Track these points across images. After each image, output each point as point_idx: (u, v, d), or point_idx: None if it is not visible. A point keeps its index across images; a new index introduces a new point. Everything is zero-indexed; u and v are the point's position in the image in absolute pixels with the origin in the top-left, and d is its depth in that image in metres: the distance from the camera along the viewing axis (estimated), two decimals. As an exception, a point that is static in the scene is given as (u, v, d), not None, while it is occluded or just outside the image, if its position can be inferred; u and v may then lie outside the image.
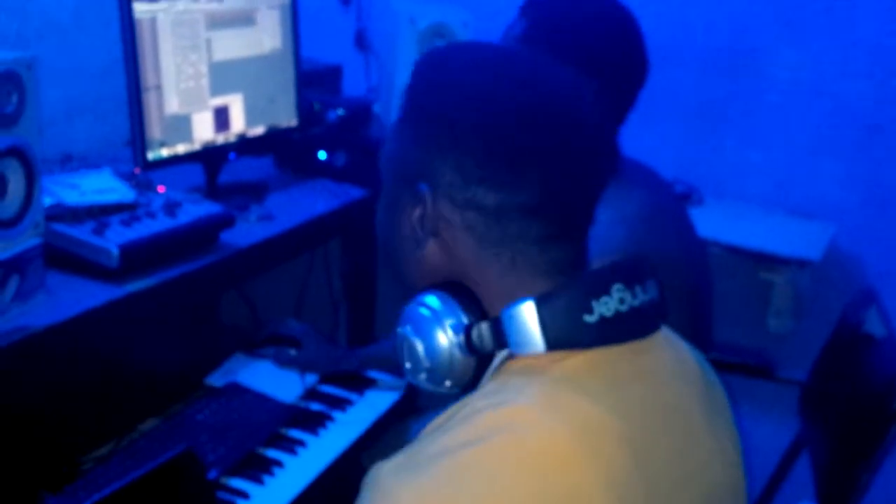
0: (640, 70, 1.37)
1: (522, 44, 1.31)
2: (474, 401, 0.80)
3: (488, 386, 0.82)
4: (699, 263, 1.48)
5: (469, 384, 0.85)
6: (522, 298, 0.80)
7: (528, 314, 0.79)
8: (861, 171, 2.17)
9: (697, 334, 1.39)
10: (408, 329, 0.85)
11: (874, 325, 1.70)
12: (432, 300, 0.84)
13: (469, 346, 0.82)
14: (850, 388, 1.68)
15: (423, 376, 0.86)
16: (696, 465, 0.85)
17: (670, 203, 1.48)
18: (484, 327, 0.82)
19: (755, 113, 2.24)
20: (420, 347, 0.84)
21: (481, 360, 0.84)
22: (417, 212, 0.85)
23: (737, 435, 0.93)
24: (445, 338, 0.83)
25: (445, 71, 0.87)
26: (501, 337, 0.81)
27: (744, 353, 1.99)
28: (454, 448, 0.75)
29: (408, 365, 0.87)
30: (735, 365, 1.94)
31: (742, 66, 2.23)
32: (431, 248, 0.85)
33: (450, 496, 0.73)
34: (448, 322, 0.83)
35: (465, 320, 0.82)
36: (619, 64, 1.34)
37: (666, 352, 0.87)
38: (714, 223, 2.09)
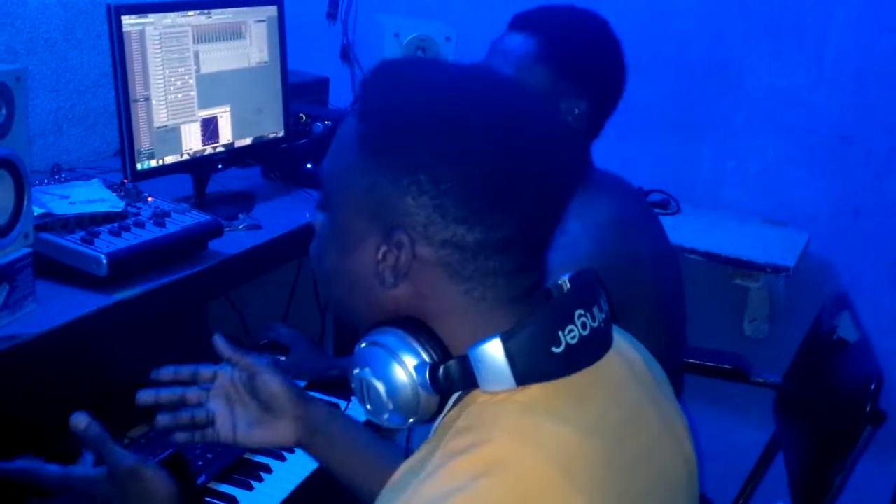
0: (623, 84, 1.43)
1: (537, 64, 1.34)
2: (449, 440, 0.78)
3: (459, 423, 0.79)
4: (669, 269, 1.49)
5: (431, 418, 0.83)
6: (488, 336, 0.78)
7: (495, 352, 0.77)
8: (834, 179, 2.21)
9: (667, 339, 1.41)
10: (367, 371, 0.82)
11: (847, 330, 1.73)
12: (389, 340, 0.81)
13: (434, 385, 0.80)
14: (823, 391, 1.71)
15: (385, 416, 0.83)
16: (660, 465, 0.87)
17: (638, 210, 1.49)
18: (452, 366, 0.80)
19: (731, 123, 2.28)
20: (382, 389, 0.82)
21: (444, 395, 0.82)
22: (384, 256, 0.81)
23: (685, 420, 0.94)
24: (408, 378, 0.80)
25: (410, 100, 0.81)
26: (470, 376, 0.79)
27: (720, 357, 2.01)
28: (444, 495, 0.73)
29: (368, 407, 0.84)
30: (711, 369, 1.97)
31: (717, 78, 2.26)
32: (397, 290, 0.82)
33: None
34: (409, 362, 0.80)
35: (427, 360, 0.80)
36: (613, 81, 1.40)
37: (615, 360, 0.87)
38: (691, 231, 2.12)
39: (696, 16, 2.25)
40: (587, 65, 1.36)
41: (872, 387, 1.51)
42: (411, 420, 0.83)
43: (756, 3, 2.21)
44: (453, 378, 0.80)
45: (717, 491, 1.81)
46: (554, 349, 0.78)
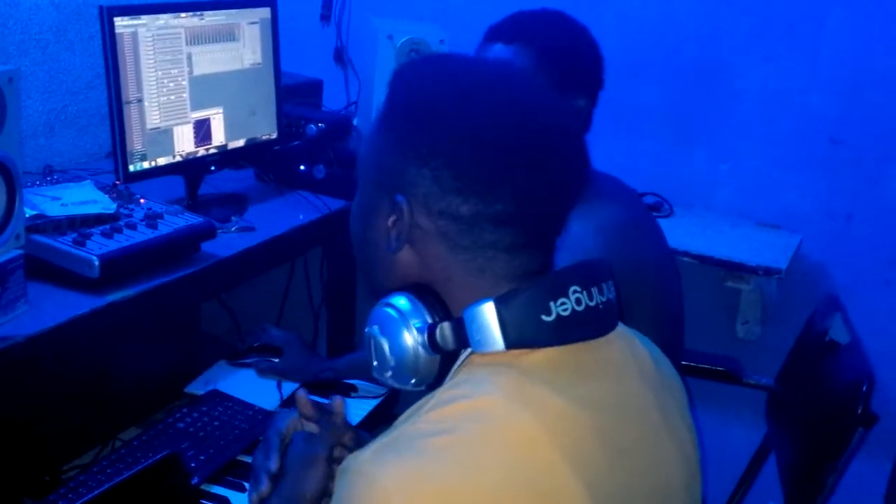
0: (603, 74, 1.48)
1: (537, 75, 1.36)
2: (444, 390, 0.83)
3: (457, 377, 0.85)
4: (670, 273, 1.51)
5: (434, 382, 0.88)
6: (484, 299, 0.83)
7: (488, 314, 0.82)
8: (826, 182, 2.22)
9: (669, 340, 1.42)
10: (375, 329, 0.89)
11: (839, 332, 1.74)
12: (399, 301, 0.87)
13: (432, 344, 0.86)
14: (815, 392, 1.71)
15: (388, 374, 0.89)
16: (654, 459, 0.88)
17: (641, 214, 1.51)
18: (446, 327, 0.85)
19: (723, 126, 2.28)
20: (386, 346, 0.88)
21: (445, 358, 0.87)
22: (393, 220, 0.87)
23: (692, 427, 0.96)
24: (410, 337, 0.86)
25: (425, 83, 0.89)
26: (463, 336, 0.84)
27: (713, 359, 2.02)
28: (431, 433, 0.78)
29: (375, 363, 0.90)
30: (704, 370, 1.97)
31: (711, 81, 2.27)
32: (404, 254, 0.88)
33: (426, 477, 0.76)
34: (413, 322, 0.86)
35: (429, 320, 0.86)
36: (600, 74, 1.45)
37: (622, 348, 0.91)
38: (683, 233, 2.12)
39: (690, 18, 2.25)
40: (581, 65, 1.40)
41: (864, 389, 1.51)
42: (412, 381, 0.88)
43: (750, 5, 2.21)
44: (448, 337, 0.85)
45: (710, 492, 1.81)
46: (544, 318, 0.83)
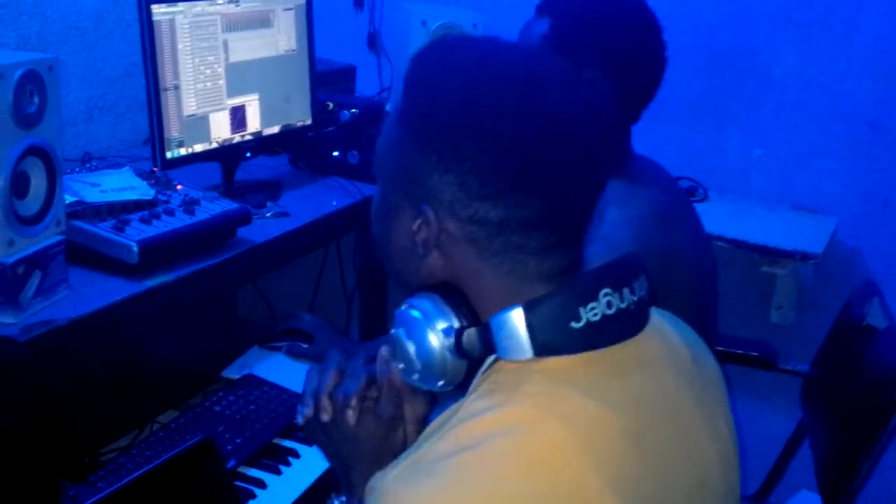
0: (659, 68, 1.38)
1: (546, 42, 1.32)
2: (470, 402, 0.81)
3: (482, 387, 0.82)
4: (706, 260, 1.49)
5: (462, 384, 0.86)
6: (512, 305, 0.80)
7: (516, 321, 0.80)
8: (862, 166, 2.19)
9: (703, 329, 1.40)
10: (401, 331, 0.86)
11: (876, 318, 1.72)
12: (425, 304, 0.85)
13: (459, 349, 0.83)
14: (851, 378, 1.70)
15: (415, 376, 0.87)
16: (692, 452, 0.86)
17: (678, 201, 1.48)
18: (474, 332, 0.83)
19: (759, 110, 2.26)
20: (412, 349, 0.85)
21: (472, 361, 0.84)
22: (419, 228, 0.85)
23: (730, 418, 0.94)
24: (437, 340, 0.84)
25: (443, 81, 0.84)
26: (490, 342, 0.82)
27: (747, 345, 2.00)
28: (456, 451, 0.76)
29: (401, 365, 0.88)
30: (739, 356, 1.96)
31: (746, 65, 2.24)
32: (431, 259, 0.86)
33: (451, 499, 0.74)
34: (439, 325, 0.84)
35: (455, 324, 0.83)
36: (640, 63, 1.36)
37: (655, 341, 0.88)
38: (718, 218, 2.10)
39: (726, 3, 2.23)
40: (598, 44, 1.31)
41: (901, 374, 1.50)
42: (440, 383, 0.86)
43: (785, -11, 2.19)
44: (475, 343, 0.83)
45: (743, 478, 1.80)
46: (573, 324, 0.80)
